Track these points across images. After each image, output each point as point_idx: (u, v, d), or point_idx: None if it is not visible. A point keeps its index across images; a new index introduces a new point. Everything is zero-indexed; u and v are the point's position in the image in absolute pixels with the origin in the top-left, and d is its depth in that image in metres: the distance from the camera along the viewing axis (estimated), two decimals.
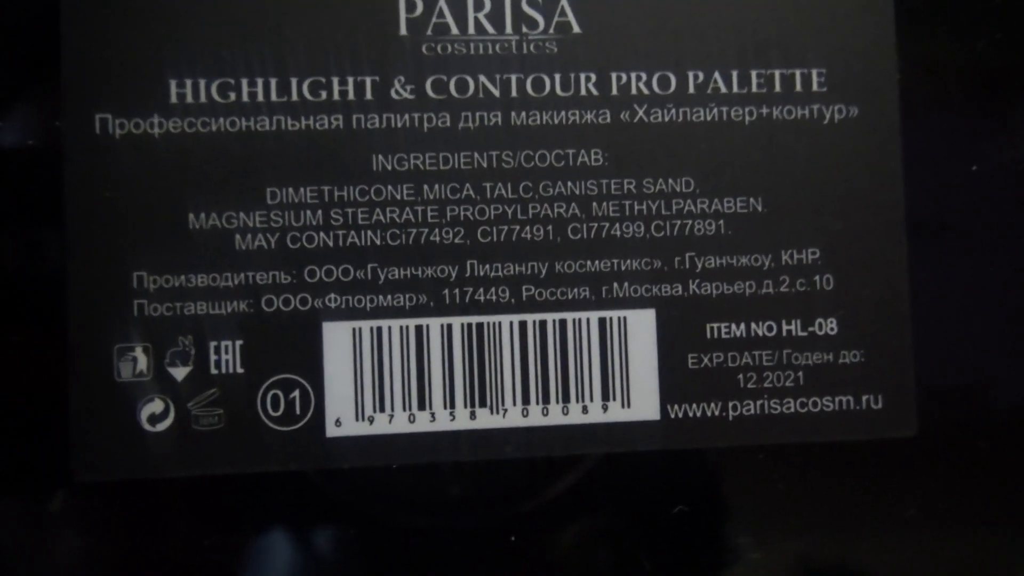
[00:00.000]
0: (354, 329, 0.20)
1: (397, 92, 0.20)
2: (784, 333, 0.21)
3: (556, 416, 0.20)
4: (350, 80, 0.20)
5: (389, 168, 0.20)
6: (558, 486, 0.21)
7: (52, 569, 0.20)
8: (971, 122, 0.22)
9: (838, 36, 0.21)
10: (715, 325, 0.21)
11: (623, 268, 0.21)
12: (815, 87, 0.21)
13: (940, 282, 0.21)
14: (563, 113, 0.21)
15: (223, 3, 0.20)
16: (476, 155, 0.20)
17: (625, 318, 0.21)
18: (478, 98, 0.20)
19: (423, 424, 0.20)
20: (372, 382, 0.20)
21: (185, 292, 0.20)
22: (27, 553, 0.20)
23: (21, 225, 0.20)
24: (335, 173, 0.20)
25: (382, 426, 0.20)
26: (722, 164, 0.21)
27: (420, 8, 0.20)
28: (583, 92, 0.21)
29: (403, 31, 0.20)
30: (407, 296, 0.20)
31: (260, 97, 0.20)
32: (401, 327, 0.20)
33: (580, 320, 0.21)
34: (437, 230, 0.20)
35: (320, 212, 0.20)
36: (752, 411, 0.21)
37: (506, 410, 0.20)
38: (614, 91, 0.21)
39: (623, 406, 0.21)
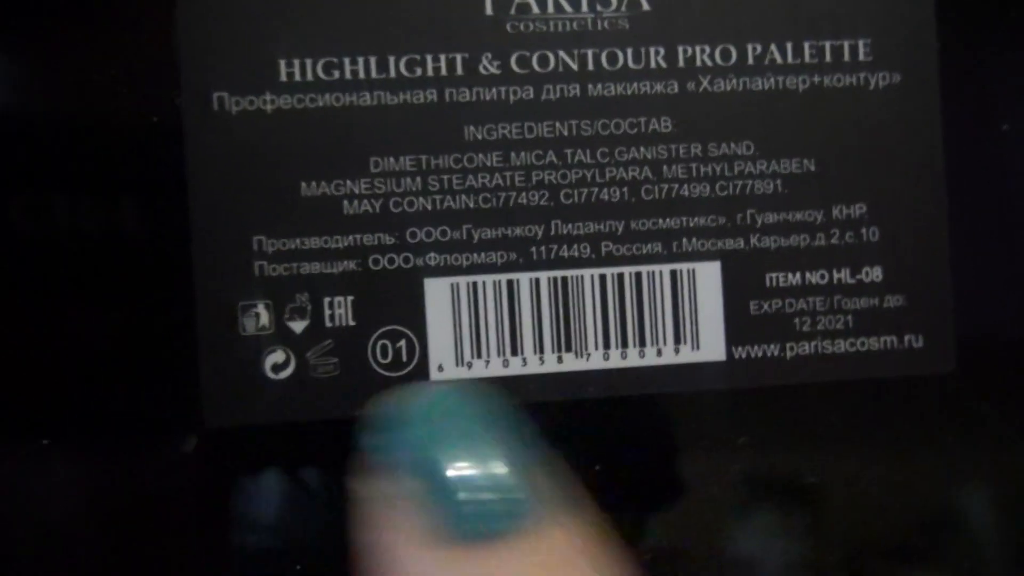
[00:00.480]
0: (452, 284, 0.22)
1: (485, 67, 0.22)
2: (835, 281, 0.23)
3: (634, 359, 0.23)
4: (442, 57, 0.22)
5: (479, 137, 0.22)
6: (636, 422, 0.23)
7: (186, 507, 0.22)
8: (1004, 85, 0.24)
9: (882, 8, 0.23)
10: (773, 275, 0.23)
11: (691, 225, 0.23)
12: (861, 56, 0.23)
13: (976, 233, 0.24)
14: (635, 84, 0.23)
15: None
16: (557, 124, 0.22)
17: (694, 270, 0.23)
18: (558, 72, 0.22)
19: (516, 368, 0.22)
20: (470, 331, 0.22)
21: (300, 253, 0.22)
22: (163, 494, 0.22)
23: (147, 196, 0.22)
24: (430, 143, 0.22)
25: (479, 370, 0.22)
26: (778, 128, 0.23)
27: None
28: (652, 65, 0.23)
29: (489, 11, 0.22)
30: (499, 254, 0.22)
31: (361, 75, 0.22)
32: (494, 281, 0.22)
33: (653, 272, 0.23)
34: (524, 193, 0.22)
35: (419, 179, 0.22)
36: (807, 351, 0.23)
37: (589, 354, 0.23)
38: (680, 63, 0.23)
39: (693, 348, 0.23)
